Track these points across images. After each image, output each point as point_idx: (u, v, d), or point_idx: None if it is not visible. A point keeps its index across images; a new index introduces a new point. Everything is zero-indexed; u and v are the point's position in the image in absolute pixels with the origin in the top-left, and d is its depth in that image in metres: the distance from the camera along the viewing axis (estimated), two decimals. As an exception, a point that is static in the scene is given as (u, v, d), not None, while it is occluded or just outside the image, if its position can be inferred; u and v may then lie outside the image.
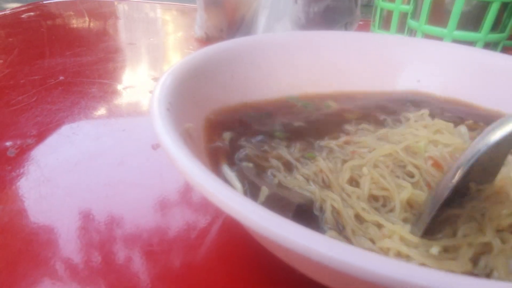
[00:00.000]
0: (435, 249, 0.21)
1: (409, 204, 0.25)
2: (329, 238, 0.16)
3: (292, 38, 0.43)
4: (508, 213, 0.22)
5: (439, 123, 0.32)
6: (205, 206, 0.32)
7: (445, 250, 0.21)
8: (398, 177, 0.26)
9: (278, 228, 0.16)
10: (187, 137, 0.26)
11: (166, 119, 0.23)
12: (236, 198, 0.17)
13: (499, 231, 0.22)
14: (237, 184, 0.26)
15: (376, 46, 0.43)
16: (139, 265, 0.26)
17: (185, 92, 0.29)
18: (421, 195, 0.25)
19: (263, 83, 0.40)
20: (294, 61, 0.42)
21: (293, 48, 0.42)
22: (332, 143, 0.30)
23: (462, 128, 0.32)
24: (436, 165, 0.27)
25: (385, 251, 0.22)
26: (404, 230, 0.22)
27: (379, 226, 0.23)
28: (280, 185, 0.26)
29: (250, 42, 0.40)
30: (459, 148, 0.28)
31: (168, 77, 0.28)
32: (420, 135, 0.30)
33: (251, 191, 0.26)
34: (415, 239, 0.22)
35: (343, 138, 0.31)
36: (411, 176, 0.27)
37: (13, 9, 0.96)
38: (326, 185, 0.26)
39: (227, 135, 0.31)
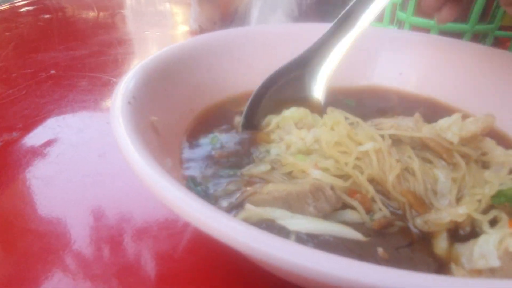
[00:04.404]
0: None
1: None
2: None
3: (271, 31, 0.43)
4: None
5: None
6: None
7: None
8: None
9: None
10: (151, 130, 0.27)
11: (126, 113, 0.24)
12: (182, 196, 0.18)
13: None
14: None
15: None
16: (113, 252, 0.27)
17: (154, 86, 0.30)
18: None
19: (242, 75, 0.40)
20: (275, 53, 0.43)
21: (272, 40, 0.42)
22: None
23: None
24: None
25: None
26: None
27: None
28: None
29: (228, 35, 0.41)
30: None
31: (136, 71, 0.29)
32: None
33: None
34: None
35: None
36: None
37: (12, 3, 0.97)
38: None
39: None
